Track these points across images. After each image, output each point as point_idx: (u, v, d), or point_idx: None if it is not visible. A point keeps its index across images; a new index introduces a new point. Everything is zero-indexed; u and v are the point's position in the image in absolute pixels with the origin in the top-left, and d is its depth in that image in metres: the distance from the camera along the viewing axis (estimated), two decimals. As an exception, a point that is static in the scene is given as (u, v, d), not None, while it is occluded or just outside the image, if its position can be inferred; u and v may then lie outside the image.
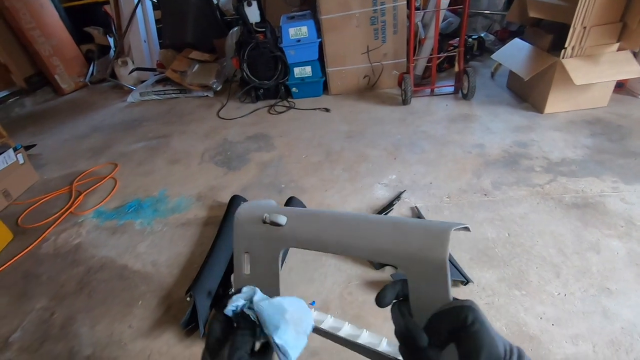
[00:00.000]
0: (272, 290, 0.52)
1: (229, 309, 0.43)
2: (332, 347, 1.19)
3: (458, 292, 1.32)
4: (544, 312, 1.22)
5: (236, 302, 0.43)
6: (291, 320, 0.42)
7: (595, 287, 1.27)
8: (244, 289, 0.46)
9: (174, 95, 3.70)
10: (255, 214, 0.55)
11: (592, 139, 2.07)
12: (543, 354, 1.09)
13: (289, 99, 3.21)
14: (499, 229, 1.56)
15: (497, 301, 1.27)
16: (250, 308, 0.44)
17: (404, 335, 0.37)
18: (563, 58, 2.15)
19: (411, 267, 0.40)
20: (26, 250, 1.83)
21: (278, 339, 0.40)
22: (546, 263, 1.38)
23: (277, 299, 0.44)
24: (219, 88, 3.58)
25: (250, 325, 0.42)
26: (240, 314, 0.43)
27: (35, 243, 1.87)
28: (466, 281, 1.34)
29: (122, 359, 1.26)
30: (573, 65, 2.12)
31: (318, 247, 0.50)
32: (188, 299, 1.36)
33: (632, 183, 1.70)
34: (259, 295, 0.44)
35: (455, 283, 1.35)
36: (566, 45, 2.11)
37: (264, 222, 0.53)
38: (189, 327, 1.30)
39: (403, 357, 0.39)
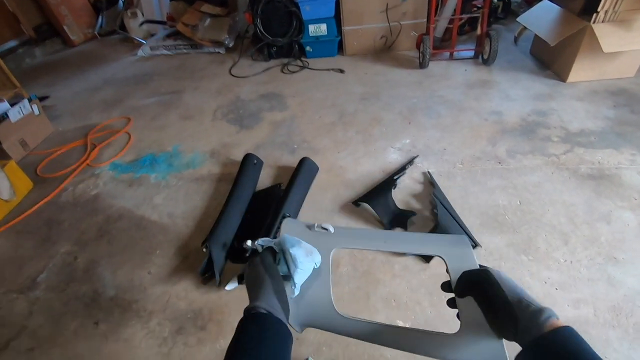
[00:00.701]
0: (324, 286, 0.65)
1: (259, 242, 0.68)
2: (342, 338, 1.24)
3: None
4: (549, 277, 1.25)
5: (264, 239, 0.68)
6: (304, 248, 0.63)
7: (603, 256, 1.29)
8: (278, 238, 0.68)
9: (184, 51, 3.62)
10: (299, 226, 0.73)
11: (615, 110, 2.01)
12: (544, 315, 1.14)
13: (302, 58, 3.13)
14: (511, 197, 1.56)
15: (503, 265, 1.31)
16: (276, 244, 0.66)
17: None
18: (594, 23, 2.04)
19: (451, 257, 0.63)
20: (47, 199, 1.89)
21: (293, 251, 0.61)
22: (555, 231, 1.40)
23: (297, 238, 0.66)
24: (231, 45, 3.49)
25: (273, 251, 0.66)
26: (267, 248, 0.67)
27: (55, 192, 1.93)
28: (474, 245, 1.37)
29: (143, 302, 1.34)
30: (604, 31, 2.01)
31: (367, 244, 0.69)
32: (204, 249, 1.41)
33: (651, 156, 1.67)
34: (286, 235, 0.67)
35: (464, 246, 1.38)
36: (599, 9, 1.99)
37: (311, 229, 0.72)
38: (206, 275, 1.36)
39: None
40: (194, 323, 1.25)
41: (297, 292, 0.61)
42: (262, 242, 0.66)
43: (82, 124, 2.57)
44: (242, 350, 0.49)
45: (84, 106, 2.83)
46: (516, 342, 0.49)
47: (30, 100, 2.37)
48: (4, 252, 1.64)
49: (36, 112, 2.41)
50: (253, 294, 0.57)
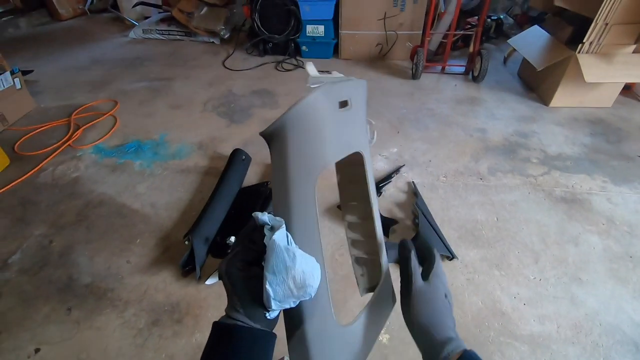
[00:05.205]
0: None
1: (258, 215, 0.44)
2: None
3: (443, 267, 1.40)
4: (518, 292, 1.31)
5: (263, 217, 0.43)
6: (292, 280, 0.40)
7: (569, 276, 1.36)
8: (278, 217, 0.44)
9: (178, 37, 3.57)
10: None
11: (591, 138, 2.12)
12: (511, 329, 1.20)
13: (297, 57, 3.14)
14: (489, 213, 1.63)
15: (477, 278, 1.36)
16: (271, 230, 0.42)
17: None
18: (579, 53, 2.14)
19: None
20: (24, 177, 1.83)
21: (268, 285, 0.40)
22: (527, 249, 1.47)
23: (295, 250, 0.41)
24: (226, 36, 3.46)
25: (260, 246, 0.43)
26: (261, 228, 0.43)
27: (33, 171, 1.87)
28: (451, 257, 1.42)
29: (119, 291, 1.33)
30: (587, 61, 2.12)
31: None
32: (186, 242, 1.41)
33: (620, 185, 1.77)
34: (280, 233, 0.41)
35: (441, 257, 1.43)
36: (584, 40, 2.09)
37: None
38: (186, 268, 1.36)
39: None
40: (171, 316, 1.25)
41: (272, 315, 0.45)
42: (263, 220, 0.43)
43: (66, 103, 2.50)
44: None
45: (69, 84, 2.75)
46: None
47: (12, 73, 2.28)
48: (-26, 230, 1.58)
49: (17, 85, 2.32)
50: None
